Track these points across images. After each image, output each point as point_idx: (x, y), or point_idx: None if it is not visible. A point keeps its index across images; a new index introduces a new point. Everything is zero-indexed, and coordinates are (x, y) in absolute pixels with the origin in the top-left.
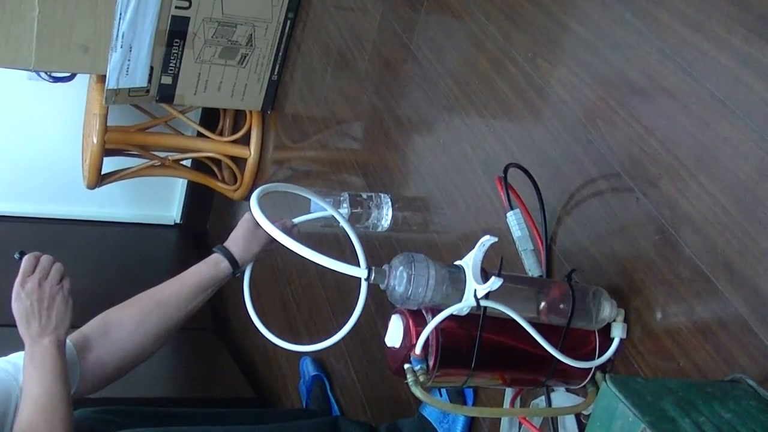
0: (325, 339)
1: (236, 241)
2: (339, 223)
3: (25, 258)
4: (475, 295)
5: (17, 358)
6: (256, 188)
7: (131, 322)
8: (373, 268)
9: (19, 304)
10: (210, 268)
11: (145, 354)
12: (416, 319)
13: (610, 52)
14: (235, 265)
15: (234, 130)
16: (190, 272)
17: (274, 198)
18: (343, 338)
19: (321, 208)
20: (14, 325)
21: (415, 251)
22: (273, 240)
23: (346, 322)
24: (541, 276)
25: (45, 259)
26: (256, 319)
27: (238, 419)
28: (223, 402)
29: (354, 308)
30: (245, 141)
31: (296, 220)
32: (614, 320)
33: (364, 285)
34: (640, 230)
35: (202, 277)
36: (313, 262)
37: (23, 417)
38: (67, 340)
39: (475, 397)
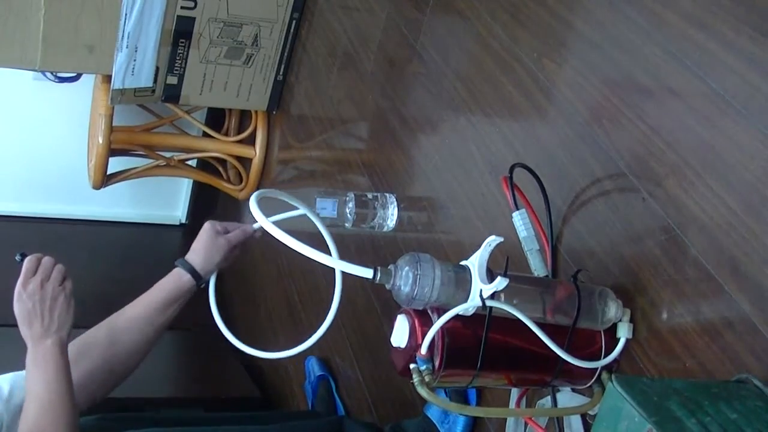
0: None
1: (197, 253)
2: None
3: (27, 259)
4: (480, 295)
5: (12, 379)
6: (262, 188)
7: (105, 342)
8: (379, 268)
9: (21, 305)
10: (172, 282)
11: (124, 371)
12: (422, 319)
13: (616, 51)
14: (198, 277)
15: (239, 130)
16: (155, 288)
17: (282, 201)
18: (350, 340)
19: (326, 209)
20: (15, 325)
21: (421, 251)
22: (233, 248)
23: (349, 321)
24: (546, 276)
25: (47, 260)
26: (223, 327)
27: (240, 421)
28: (229, 402)
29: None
30: (250, 141)
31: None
32: (620, 320)
33: (338, 280)
34: (646, 230)
35: (165, 292)
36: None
37: (29, 419)
38: None
39: (480, 397)
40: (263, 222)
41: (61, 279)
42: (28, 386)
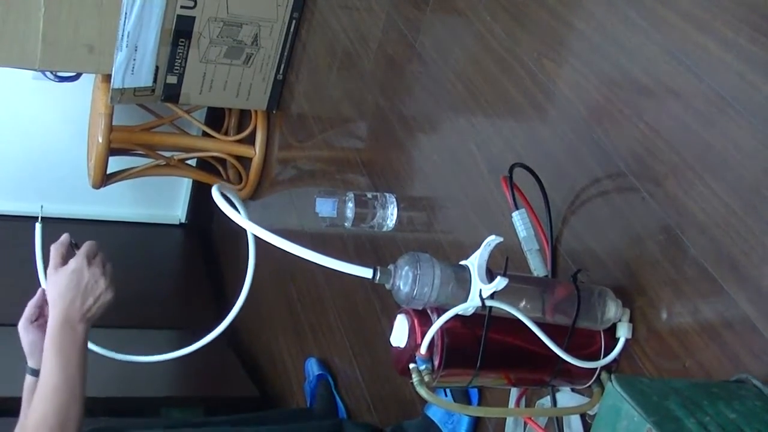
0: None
1: (30, 356)
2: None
3: (89, 243)
4: (480, 295)
5: None
6: (262, 187)
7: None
8: (379, 268)
9: (76, 278)
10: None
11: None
12: (421, 318)
13: (615, 51)
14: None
15: (239, 130)
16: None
17: (282, 201)
18: (349, 340)
19: (326, 209)
20: (14, 324)
21: (421, 251)
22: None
23: (348, 321)
24: (546, 276)
25: (102, 255)
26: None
27: (239, 423)
28: (228, 401)
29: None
30: (250, 140)
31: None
32: (619, 320)
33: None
34: (646, 230)
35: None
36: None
37: (41, 408)
38: None
39: (481, 397)
40: (225, 208)
41: (111, 278)
42: (45, 374)
